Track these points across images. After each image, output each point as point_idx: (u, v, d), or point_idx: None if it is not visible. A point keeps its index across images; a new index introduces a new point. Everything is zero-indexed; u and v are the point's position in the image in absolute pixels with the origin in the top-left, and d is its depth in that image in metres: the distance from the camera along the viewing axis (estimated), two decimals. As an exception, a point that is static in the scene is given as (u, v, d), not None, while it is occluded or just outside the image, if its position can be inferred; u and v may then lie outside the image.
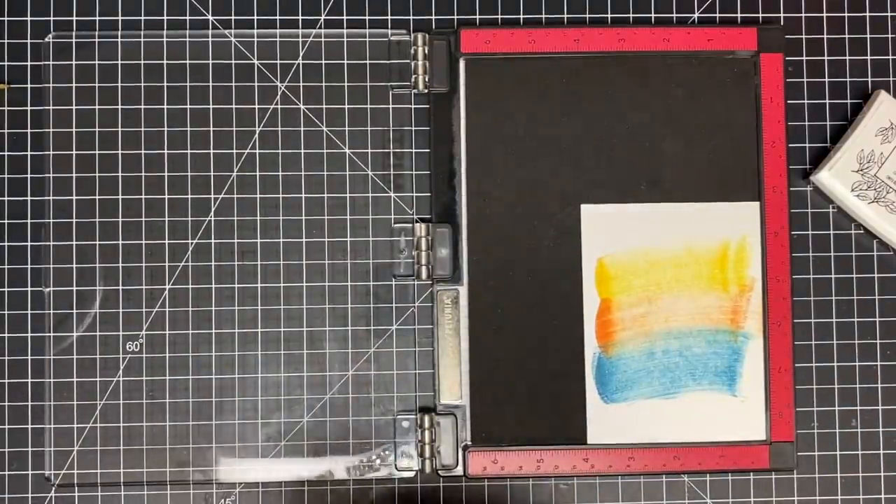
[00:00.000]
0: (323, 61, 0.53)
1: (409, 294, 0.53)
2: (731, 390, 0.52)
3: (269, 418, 0.52)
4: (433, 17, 0.54)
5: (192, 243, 0.52)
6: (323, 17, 0.53)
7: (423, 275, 0.52)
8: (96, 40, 0.52)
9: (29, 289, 0.52)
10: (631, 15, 0.54)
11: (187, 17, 0.53)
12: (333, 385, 0.52)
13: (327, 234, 0.52)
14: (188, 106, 0.53)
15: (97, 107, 0.52)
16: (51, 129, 0.52)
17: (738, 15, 0.54)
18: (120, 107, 0.52)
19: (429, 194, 0.53)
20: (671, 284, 0.52)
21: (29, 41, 0.53)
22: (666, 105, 0.53)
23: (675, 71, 0.53)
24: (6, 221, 0.52)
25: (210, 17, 0.53)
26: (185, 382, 0.52)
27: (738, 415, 0.52)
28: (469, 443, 0.52)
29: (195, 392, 0.52)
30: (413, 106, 0.53)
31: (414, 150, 0.53)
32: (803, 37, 0.54)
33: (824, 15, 0.54)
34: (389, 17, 0.53)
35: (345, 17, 0.53)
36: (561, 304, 0.52)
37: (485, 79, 0.53)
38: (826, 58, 0.54)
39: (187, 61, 0.53)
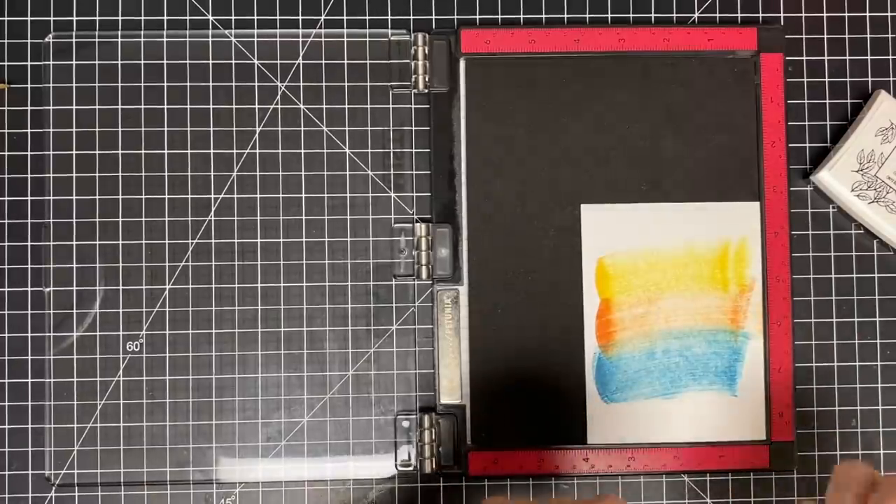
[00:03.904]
0: (323, 61, 0.53)
1: (409, 294, 0.53)
2: (731, 390, 0.52)
3: (269, 418, 0.52)
4: (433, 17, 0.54)
5: (192, 243, 0.52)
6: (323, 17, 0.53)
7: (423, 275, 0.52)
8: (96, 40, 0.53)
9: (29, 289, 0.52)
10: (631, 15, 0.54)
11: (187, 17, 0.53)
12: (333, 385, 0.52)
13: (327, 234, 0.52)
14: (188, 106, 0.53)
15: (97, 107, 0.52)
16: (51, 129, 0.52)
17: (738, 15, 0.54)
18: (120, 107, 0.52)
19: (429, 194, 0.53)
20: (671, 284, 0.52)
21: (29, 41, 0.53)
22: (666, 105, 0.53)
23: (675, 71, 0.53)
24: (6, 221, 0.52)
25: (210, 17, 0.53)
26: (185, 382, 0.52)
27: (738, 415, 0.52)
28: (469, 443, 0.52)
29: (195, 392, 0.52)
30: (413, 106, 0.53)
31: (414, 150, 0.53)
32: (803, 37, 0.54)
33: (824, 15, 0.54)
34: (389, 17, 0.53)
35: (345, 17, 0.53)
36: (561, 304, 0.52)
37: (485, 79, 0.53)
38: (826, 58, 0.54)
39: (187, 61, 0.53)
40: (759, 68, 0.53)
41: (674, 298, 0.52)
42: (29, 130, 0.52)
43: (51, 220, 0.52)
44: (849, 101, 0.54)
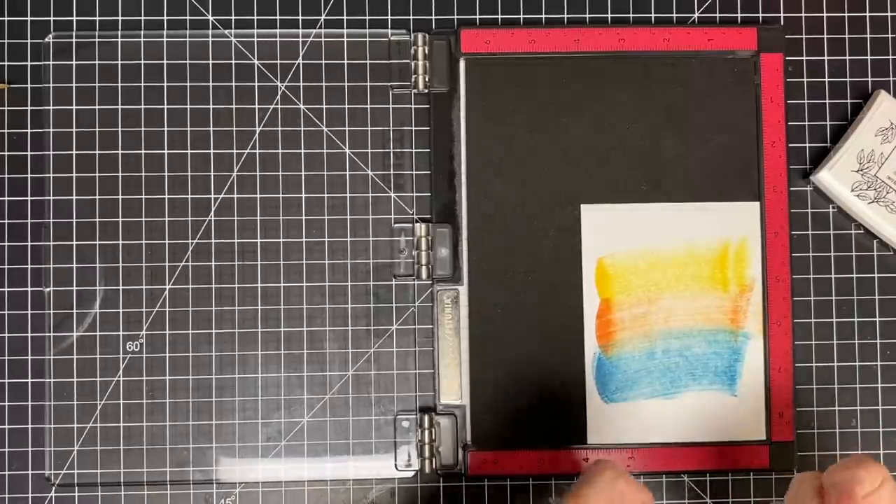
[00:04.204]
0: (323, 61, 0.53)
1: (409, 294, 0.53)
2: (731, 390, 0.52)
3: (269, 418, 0.52)
4: (433, 17, 0.54)
5: (192, 243, 0.52)
6: (323, 17, 0.53)
7: (423, 275, 0.52)
8: (96, 40, 0.53)
9: (29, 289, 0.52)
10: (631, 15, 0.54)
11: (187, 17, 0.53)
12: (333, 385, 0.52)
13: (327, 234, 0.52)
14: (188, 106, 0.53)
15: (97, 107, 0.52)
16: (51, 129, 0.52)
17: (738, 15, 0.54)
18: (120, 107, 0.52)
19: (429, 194, 0.53)
20: (671, 284, 0.52)
21: (29, 41, 0.53)
22: (666, 105, 0.53)
23: (675, 71, 0.53)
24: (6, 221, 0.52)
25: (210, 17, 0.53)
26: (185, 382, 0.52)
27: (738, 415, 0.52)
28: (469, 443, 0.52)
29: (195, 392, 0.52)
30: (413, 106, 0.53)
31: (414, 150, 0.53)
32: (803, 37, 0.54)
33: (824, 15, 0.54)
34: (389, 17, 0.53)
35: (345, 17, 0.53)
36: (561, 303, 0.52)
37: (485, 79, 0.53)
38: (826, 58, 0.54)
39: (187, 61, 0.53)
40: (759, 68, 0.53)
41: (674, 298, 0.52)
42: (29, 130, 0.52)
43: (51, 220, 0.52)
44: (849, 101, 0.54)
